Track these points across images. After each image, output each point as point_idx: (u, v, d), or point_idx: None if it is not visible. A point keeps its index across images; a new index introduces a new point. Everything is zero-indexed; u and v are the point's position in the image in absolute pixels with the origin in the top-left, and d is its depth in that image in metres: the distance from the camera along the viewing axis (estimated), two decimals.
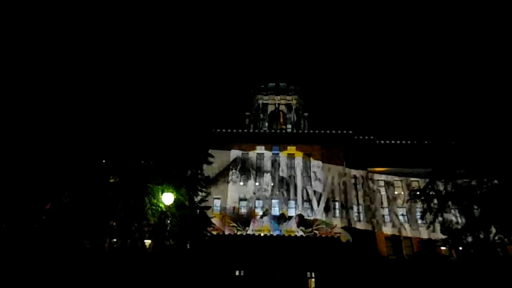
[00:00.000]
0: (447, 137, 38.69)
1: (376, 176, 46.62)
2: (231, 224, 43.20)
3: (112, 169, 31.24)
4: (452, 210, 37.69)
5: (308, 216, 44.01)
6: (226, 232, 41.21)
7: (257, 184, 46.29)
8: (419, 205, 39.20)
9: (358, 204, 44.93)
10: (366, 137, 48.79)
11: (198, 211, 33.13)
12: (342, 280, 35.00)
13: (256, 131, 51.15)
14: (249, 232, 42.19)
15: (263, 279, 36.53)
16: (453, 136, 37.76)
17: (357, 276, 35.13)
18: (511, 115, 35.50)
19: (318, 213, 44.04)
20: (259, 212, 44.55)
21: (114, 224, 30.41)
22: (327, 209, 44.25)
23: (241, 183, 46.29)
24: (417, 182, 44.38)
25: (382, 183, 46.51)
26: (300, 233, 41.90)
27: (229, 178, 46.31)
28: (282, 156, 47.54)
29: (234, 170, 46.78)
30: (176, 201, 26.06)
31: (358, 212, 44.46)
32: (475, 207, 32.93)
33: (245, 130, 50.54)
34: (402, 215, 44.33)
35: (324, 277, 35.95)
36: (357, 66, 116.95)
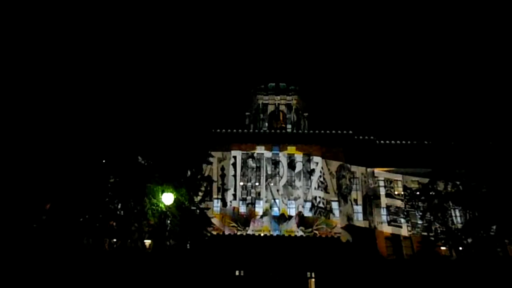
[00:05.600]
0: (447, 137, 38.71)
1: (376, 176, 46.67)
2: (231, 224, 43.20)
3: (112, 169, 31.20)
4: (452, 210, 37.74)
5: (308, 215, 44.02)
6: (226, 232, 41.21)
7: (257, 184, 46.30)
8: (419, 205, 39.23)
9: (358, 204, 44.99)
10: (366, 137, 48.74)
11: (198, 211, 33.11)
12: (342, 280, 35.00)
13: (256, 131, 51.10)
14: (249, 232, 42.19)
15: (263, 279, 36.53)
16: (453, 136, 37.77)
17: (357, 276, 35.13)
18: (511, 115, 35.50)
19: (318, 213, 44.04)
20: (259, 212, 44.55)
21: (114, 224, 30.38)
22: (327, 209, 44.28)
23: (241, 183, 46.30)
24: (417, 182, 44.39)
25: (382, 183, 46.53)
26: (300, 233, 41.89)
27: (229, 178, 46.30)
28: (282, 156, 47.54)
29: (234, 170, 46.78)
30: (176, 201, 26.03)
31: (358, 212, 44.53)
32: (475, 207, 32.94)
33: (245, 130, 50.48)
34: (402, 215, 44.37)
35: (324, 277, 35.95)
36: (357, 66, 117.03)
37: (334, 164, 46.40)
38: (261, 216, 44.08)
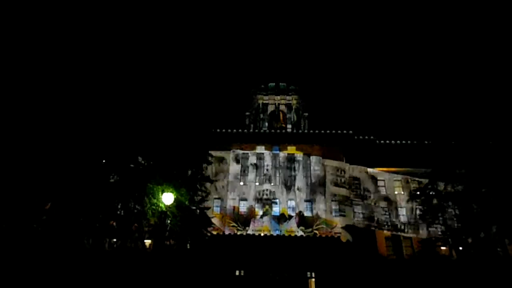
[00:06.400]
0: (447, 137, 38.73)
1: (376, 176, 46.68)
2: (231, 224, 43.22)
3: (112, 169, 31.19)
4: (452, 210, 37.80)
5: (308, 215, 44.04)
6: (226, 232, 41.22)
7: (257, 184, 46.33)
8: (419, 205, 39.26)
9: (358, 204, 45.01)
10: (366, 137, 48.82)
11: (198, 211, 33.10)
12: (342, 280, 35.00)
13: (256, 131, 51.19)
14: (249, 232, 42.20)
15: (263, 279, 36.52)
16: (453, 136, 37.78)
17: (357, 276, 35.13)
18: (511, 115, 35.48)
19: (319, 213, 44.07)
20: (259, 212, 44.59)
21: (114, 224, 30.37)
22: (327, 209, 44.31)
23: (241, 183, 46.32)
24: (417, 182, 44.45)
25: (382, 183, 46.56)
26: (300, 233, 41.90)
27: (229, 178, 46.33)
28: (282, 156, 47.58)
29: (234, 170, 46.80)
30: (176, 201, 25.99)
31: (358, 212, 44.55)
32: (475, 207, 32.93)
33: (245, 130, 50.58)
34: (402, 215, 44.38)
35: (324, 277, 35.95)
36: (357, 66, 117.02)
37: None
38: (261, 216, 44.11)
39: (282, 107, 55.78)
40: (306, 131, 51.37)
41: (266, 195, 45.28)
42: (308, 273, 36.97)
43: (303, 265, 36.94)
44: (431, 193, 35.78)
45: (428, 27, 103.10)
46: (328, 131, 48.61)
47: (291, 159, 47.15)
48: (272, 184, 45.99)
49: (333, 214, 44.09)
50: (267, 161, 47.18)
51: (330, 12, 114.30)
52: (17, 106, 30.18)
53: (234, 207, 44.82)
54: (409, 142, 48.24)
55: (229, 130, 48.96)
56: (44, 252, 26.91)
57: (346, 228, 43.01)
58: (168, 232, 29.95)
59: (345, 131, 48.37)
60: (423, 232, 42.15)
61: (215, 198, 44.60)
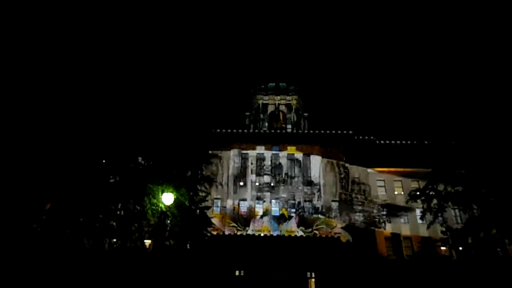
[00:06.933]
0: (447, 137, 38.73)
1: (376, 176, 46.68)
2: (231, 224, 43.24)
3: (112, 169, 31.19)
4: (452, 210, 37.82)
5: (308, 215, 44.06)
6: (226, 232, 41.24)
7: (257, 184, 46.36)
8: (419, 205, 39.26)
9: (358, 204, 45.01)
10: (366, 137, 48.82)
11: (198, 211, 33.11)
12: (342, 280, 35.02)
13: (256, 131, 51.18)
14: (249, 232, 42.23)
15: (263, 279, 36.55)
16: (453, 136, 37.77)
17: (357, 276, 35.15)
18: (511, 115, 35.47)
19: (318, 213, 44.07)
20: (259, 212, 44.61)
21: (114, 224, 30.37)
22: (327, 209, 44.32)
23: (241, 183, 46.34)
24: (417, 182, 44.41)
25: (382, 183, 46.55)
26: (300, 233, 41.93)
27: (229, 178, 46.34)
28: (282, 156, 47.60)
29: (234, 170, 46.83)
30: (176, 201, 26.02)
31: (358, 212, 44.54)
32: (475, 207, 32.94)
33: (245, 130, 50.58)
34: (402, 215, 44.34)
35: (324, 277, 35.97)
36: (357, 66, 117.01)
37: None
38: (261, 216, 44.13)
39: (282, 107, 55.75)
40: (306, 131, 51.35)
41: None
42: (308, 273, 37.00)
43: (303, 265, 36.96)
44: (431, 193, 35.78)
45: (428, 27, 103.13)
46: (328, 131, 48.62)
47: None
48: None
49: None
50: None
51: (330, 13, 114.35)
52: (17, 107, 30.19)
53: (234, 207, 44.86)
54: (409, 142, 48.24)
55: (229, 130, 48.99)
56: (44, 252, 26.92)
57: (346, 228, 43.04)
58: (168, 232, 29.96)
59: (345, 131, 48.37)
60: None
61: (215, 198, 44.65)
